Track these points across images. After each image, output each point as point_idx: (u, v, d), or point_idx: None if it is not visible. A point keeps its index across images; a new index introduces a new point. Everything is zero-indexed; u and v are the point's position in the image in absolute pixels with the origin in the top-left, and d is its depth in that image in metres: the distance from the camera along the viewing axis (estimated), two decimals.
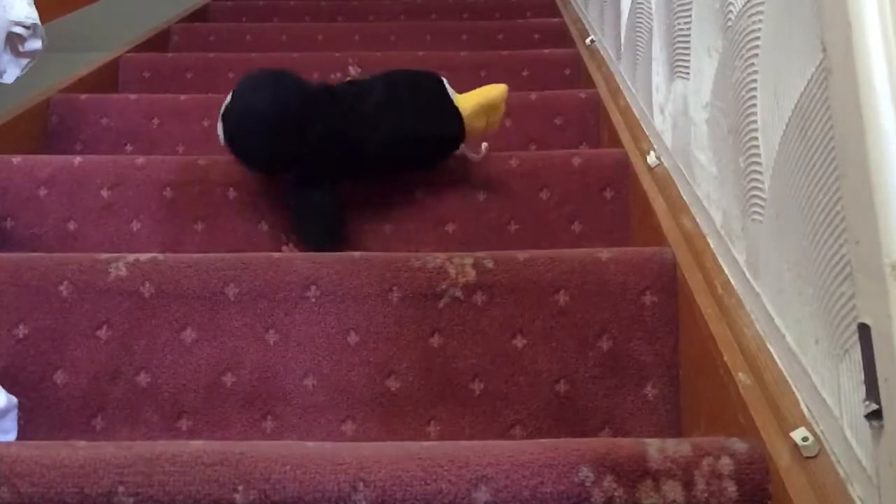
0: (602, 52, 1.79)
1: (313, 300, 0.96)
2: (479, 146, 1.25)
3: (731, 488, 0.66)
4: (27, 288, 0.97)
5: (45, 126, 1.60)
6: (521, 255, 0.99)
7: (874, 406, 0.55)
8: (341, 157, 1.18)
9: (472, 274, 0.97)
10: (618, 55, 1.60)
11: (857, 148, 0.55)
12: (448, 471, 0.67)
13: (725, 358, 0.79)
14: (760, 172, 0.79)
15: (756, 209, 0.80)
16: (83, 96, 1.65)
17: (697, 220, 1.00)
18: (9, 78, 1.34)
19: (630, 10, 1.46)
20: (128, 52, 2.01)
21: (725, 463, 0.67)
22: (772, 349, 0.76)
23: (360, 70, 1.94)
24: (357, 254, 0.99)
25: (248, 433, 0.93)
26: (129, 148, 1.59)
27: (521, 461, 0.67)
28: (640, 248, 1.06)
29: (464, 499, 0.66)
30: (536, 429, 0.94)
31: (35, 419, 0.94)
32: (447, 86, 1.25)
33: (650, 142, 1.26)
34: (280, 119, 1.16)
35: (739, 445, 0.69)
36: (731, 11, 0.86)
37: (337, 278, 0.97)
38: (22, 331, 0.96)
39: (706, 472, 0.67)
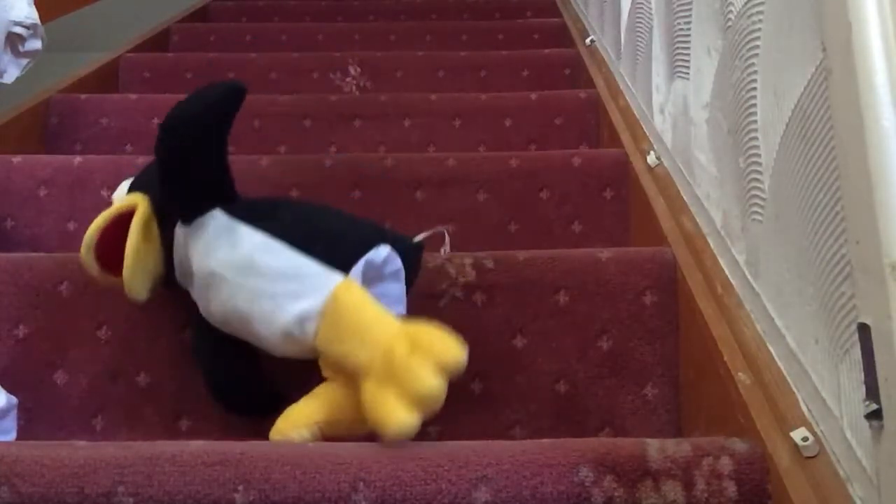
0: (602, 52, 1.79)
1: None
2: None
3: (731, 488, 0.66)
4: (27, 288, 0.97)
5: (45, 126, 1.60)
6: (521, 255, 0.99)
7: (874, 406, 0.55)
8: None
9: (472, 274, 0.97)
10: (618, 55, 1.60)
11: (857, 148, 0.55)
12: (448, 471, 0.67)
13: (725, 358, 0.79)
14: (760, 172, 0.79)
15: (756, 209, 0.80)
16: (83, 96, 1.65)
17: (697, 220, 1.00)
18: (9, 78, 1.34)
19: (630, 10, 1.46)
20: (128, 52, 2.00)
21: (725, 463, 0.67)
22: (772, 349, 0.76)
23: (359, 70, 1.94)
24: None
25: (248, 433, 0.93)
26: (129, 148, 1.59)
27: (521, 461, 0.67)
28: (640, 248, 1.06)
29: (464, 499, 0.66)
30: (536, 429, 0.93)
31: (35, 419, 0.94)
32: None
33: (650, 142, 1.26)
34: None
35: (739, 445, 0.69)
36: (731, 11, 0.86)
37: None
38: (22, 331, 0.96)
39: (706, 472, 0.67)
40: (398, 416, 0.71)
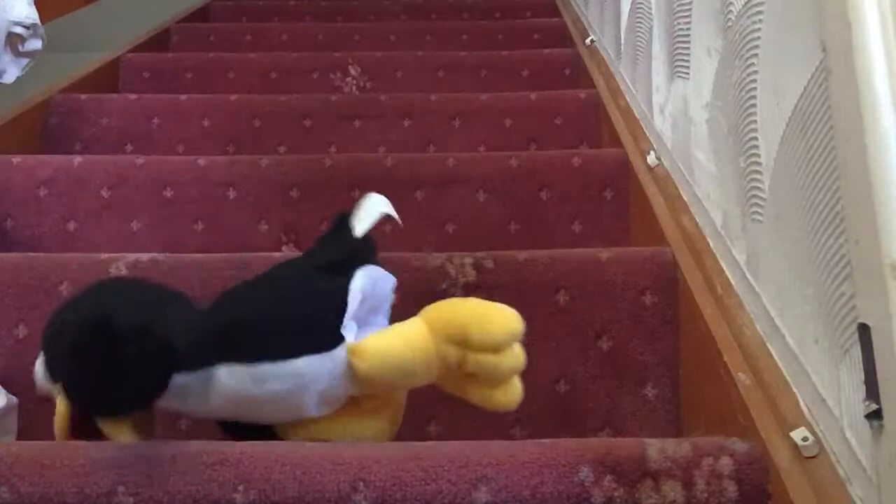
0: (602, 52, 1.79)
1: None
2: None
3: (731, 488, 0.66)
4: (27, 288, 0.97)
5: (45, 126, 1.60)
6: (521, 255, 0.99)
7: (874, 406, 0.55)
8: None
9: (472, 274, 0.97)
10: (618, 55, 1.60)
11: (857, 148, 0.55)
12: (448, 471, 0.67)
13: (725, 358, 0.79)
14: (760, 172, 0.79)
15: (756, 209, 0.80)
16: (83, 96, 1.65)
17: (697, 220, 1.00)
18: (9, 78, 1.34)
19: (630, 10, 1.46)
20: (128, 52, 2.01)
21: (725, 463, 0.67)
22: (772, 349, 0.76)
23: (359, 70, 1.94)
24: None
25: None
26: (129, 148, 1.59)
27: (521, 461, 0.67)
28: (640, 248, 1.06)
29: (464, 499, 0.66)
30: (536, 429, 0.93)
31: (35, 419, 0.94)
32: None
33: (650, 142, 1.26)
34: None
35: (739, 445, 0.69)
36: (731, 11, 0.86)
37: None
38: (22, 331, 0.96)
39: (706, 472, 0.66)
40: (503, 400, 0.73)
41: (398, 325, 0.75)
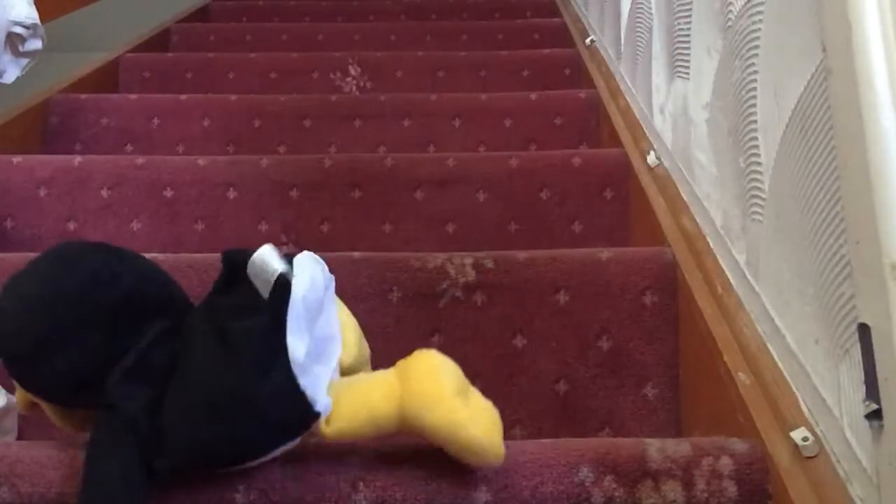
0: (602, 52, 1.79)
1: None
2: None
3: (731, 488, 0.66)
4: None
5: (45, 126, 1.60)
6: (521, 255, 0.99)
7: (874, 406, 0.55)
8: None
9: (472, 274, 0.97)
10: (618, 55, 1.60)
11: (857, 148, 0.55)
12: (448, 471, 0.67)
13: (725, 358, 0.79)
14: (760, 172, 0.79)
15: (756, 209, 0.80)
16: (83, 96, 1.65)
17: (697, 220, 1.00)
18: (9, 78, 1.34)
19: (630, 10, 1.46)
20: (128, 52, 2.01)
21: (725, 463, 0.67)
22: (772, 349, 0.76)
23: (359, 70, 1.95)
24: (357, 254, 0.99)
25: None
26: (129, 148, 1.59)
27: (521, 461, 0.67)
28: (640, 248, 1.06)
29: (464, 499, 0.65)
30: (536, 429, 0.93)
31: (35, 419, 0.94)
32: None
33: (650, 142, 1.26)
34: None
35: (739, 445, 0.69)
36: (731, 11, 0.86)
37: (337, 278, 0.96)
38: None
39: (706, 472, 0.66)
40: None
41: (370, 391, 0.66)
